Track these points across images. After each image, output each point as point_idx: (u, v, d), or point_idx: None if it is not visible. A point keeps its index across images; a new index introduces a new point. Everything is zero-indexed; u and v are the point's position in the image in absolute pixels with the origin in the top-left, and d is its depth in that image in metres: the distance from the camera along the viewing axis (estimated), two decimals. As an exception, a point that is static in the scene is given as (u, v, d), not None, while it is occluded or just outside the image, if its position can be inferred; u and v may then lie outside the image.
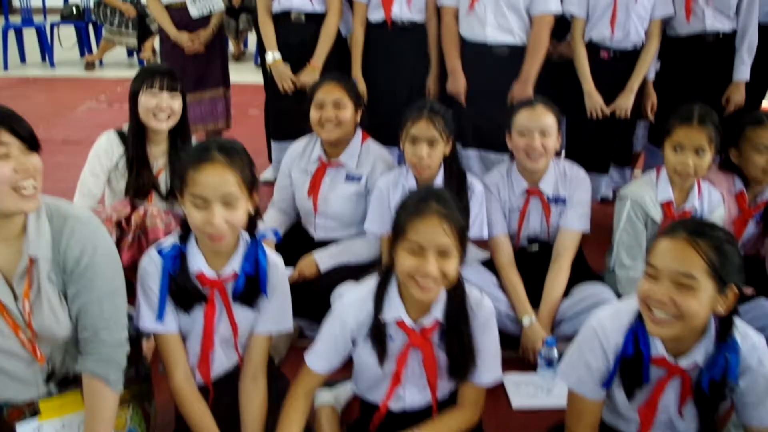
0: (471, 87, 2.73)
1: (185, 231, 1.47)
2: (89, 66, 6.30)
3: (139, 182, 2.17)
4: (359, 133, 2.32)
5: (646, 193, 2.16)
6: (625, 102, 2.73)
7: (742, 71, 2.70)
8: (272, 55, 2.88)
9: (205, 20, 3.24)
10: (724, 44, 2.72)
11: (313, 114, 2.23)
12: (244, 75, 5.24)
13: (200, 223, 1.38)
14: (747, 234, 2.29)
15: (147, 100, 2.13)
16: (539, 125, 2.11)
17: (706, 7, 2.68)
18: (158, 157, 2.24)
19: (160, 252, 1.45)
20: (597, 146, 2.80)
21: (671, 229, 1.28)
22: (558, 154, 2.27)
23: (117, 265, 1.37)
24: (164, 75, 2.15)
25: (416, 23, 2.79)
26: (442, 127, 2.05)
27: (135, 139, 2.19)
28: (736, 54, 2.70)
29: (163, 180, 2.23)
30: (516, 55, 2.66)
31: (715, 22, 2.70)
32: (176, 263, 1.45)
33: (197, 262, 1.45)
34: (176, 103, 2.17)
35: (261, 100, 3.30)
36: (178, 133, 2.22)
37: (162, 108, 2.13)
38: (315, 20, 2.86)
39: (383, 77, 2.84)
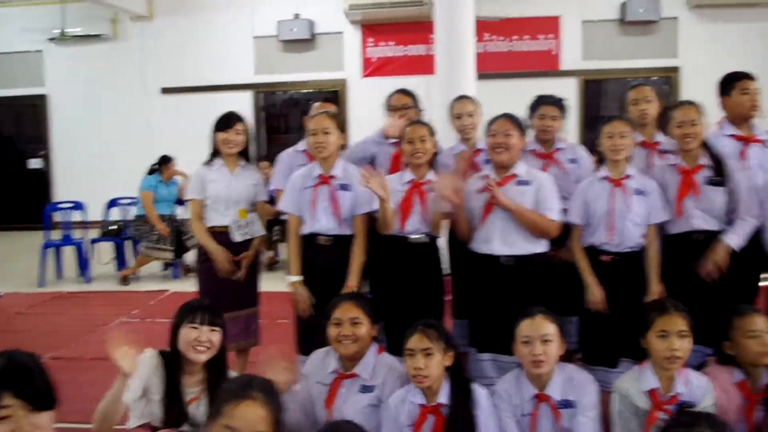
0: (485, 296, 3.25)
1: None
2: (124, 280, 7.07)
3: (169, 416, 2.55)
4: (375, 346, 2.81)
5: (631, 384, 2.60)
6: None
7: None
8: (293, 277, 3.37)
9: (246, 244, 3.75)
10: (712, 242, 3.25)
11: (332, 331, 2.73)
12: (275, 284, 5.68)
13: None
14: (757, 419, 2.66)
15: (187, 333, 2.59)
16: (540, 334, 2.60)
17: (693, 209, 3.26)
18: (192, 386, 2.61)
19: None
20: (607, 341, 3.22)
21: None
22: (568, 356, 2.75)
23: None
24: (206, 310, 2.65)
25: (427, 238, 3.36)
26: (437, 338, 2.54)
27: (170, 370, 2.59)
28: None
29: (195, 407, 2.60)
30: (522, 264, 3.19)
31: (702, 223, 3.26)
32: None
33: None
34: (215, 337, 2.63)
35: (291, 310, 3.64)
36: (215, 364, 2.65)
37: (201, 341, 2.59)
38: (342, 242, 3.34)
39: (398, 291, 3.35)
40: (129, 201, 7.60)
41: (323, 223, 3.37)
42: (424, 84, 7.10)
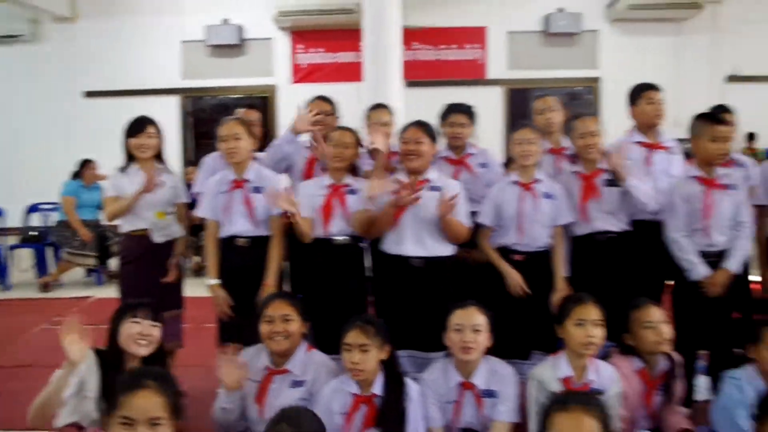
0: (397, 296, 3.42)
1: None
2: (45, 287, 6.98)
3: (103, 415, 2.56)
4: (304, 343, 2.96)
5: (547, 373, 2.83)
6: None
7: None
8: (211, 280, 3.55)
9: (167, 245, 3.87)
10: (615, 242, 3.56)
11: (263, 328, 2.86)
12: (202, 289, 5.88)
13: None
14: (655, 404, 2.94)
15: (129, 327, 2.71)
16: (471, 323, 2.81)
17: (596, 212, 3.54)
18: None
19: None
20: (520, 335, 3.43)
21: (563, 404, 1.89)
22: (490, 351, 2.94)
23: None
24: (147, 306, 2.78)
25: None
26: (373, 334, 2.71)
27: (106, 368, 2.65)
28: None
29: None
30: (431, 264, 3.39)
31: (604, 224, 3.54)
32: None
33: None
34: (156, 332, 2.77)
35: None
36: (155, 361, 2.75)
37: (144, 335, 2.72)
38: (259, 243, 3.50)
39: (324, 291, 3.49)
40: (50, 206, 7.50)
41: (239, 225, 3.52)
42: (354, 91, 7.27)
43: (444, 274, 3.43)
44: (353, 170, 3.65)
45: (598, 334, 2.81)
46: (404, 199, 3.27)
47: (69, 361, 2.52)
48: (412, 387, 2.80)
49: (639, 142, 3.81)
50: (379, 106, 4.19)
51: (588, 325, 2.81)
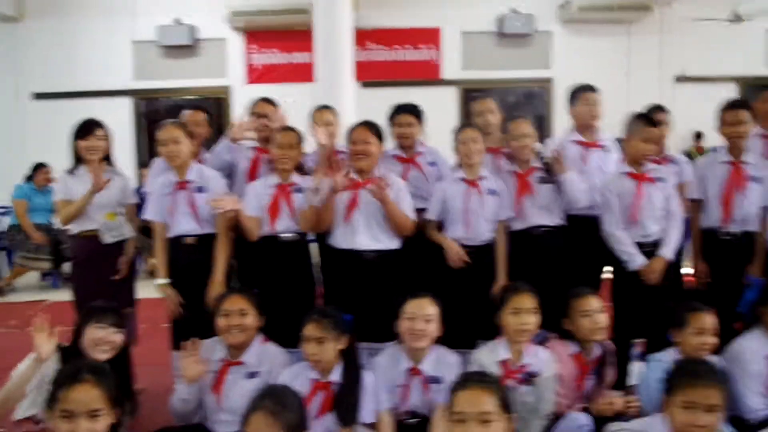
0: (350, 289, 3.58)
1: None
2: (-2, 292, 6.97)
3: None
4: (260, 335, 3.11)
5: (487, 356, 3.03)
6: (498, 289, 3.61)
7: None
8: (161, 280, 3.67)
9: (117, 246, 3.99)
10: (551, 236, 3.78)
11: (220, 322, 3.02)
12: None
13: None
14: (588, 387, 3.16)
15: (93, 332, 2.85)
16: (423, 313, 2.99)
17: (531, 208, 3.75)
18: None
19: None
20: (465, 325, 3.61)
21: (463, 382, 2.10)
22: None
23: None
24: (114, 313, 2.91)
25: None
26: (330, 327, 2.87)
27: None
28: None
29: None
30: (382, 257, 3.58)
31: (538, 219, 3.75)
32: None
33: None
34: (119, 338, 2.91)
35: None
36: (118, 363, 2.86)
37: (106, 341, 2.86)
38: (205, 242, 3.64)
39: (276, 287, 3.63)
40: (1, 210, 7.48)
41: (184, 225, 3.67)
42: (309, 91, 7.40)
43: (393, 267, 3.62)
44: (300, 169, 3.80)
45: (532, 321, 3.03)
46: (339, 184, 3.46)
47: (36, 357, 2.63)
48: (367, 377, 2.99)
49: (576, 141, 4.04)
50: (323, 107, 4.37)
51: (523, 313, 3.01)
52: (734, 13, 10.11)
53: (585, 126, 4.07)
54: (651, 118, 3.78)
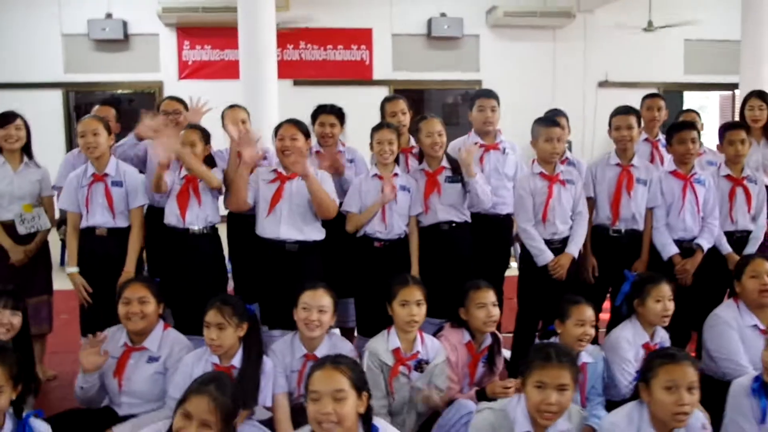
0: (272, 278, 3.75)
1: None
2: None
3: None
4: (161, 322, 3.26)
5: (380, 345, 3.22)
6: None
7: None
8: (71, 268, 3.78)
9: (32, 237, 4.06)
10: (457, 231, 4.00)
11: (121, 309, 3.14)
12: None
13: None
14: (479, 373, 3.39)
15: None
16: (318, 303, 3.15)
17: (438, 204, 3.97)
18: None
19: None
20: (380, 315, 3.67)
21: (320, 364, 2.28)
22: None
23: None
24: (9, 294, 3.00)
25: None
26: (231, 314, 3.02)
27: None
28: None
29: None
30: (304, 249, 3.77)
31: (445, 215, 3.98)
32: None
33: None
34: (16, 320, 3.01)
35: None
36: (19, 344, 2.98)
37: (3, 323, 2.96)
38: (118, 234, 3.78)
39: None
40: None
41: (99, 217, 3.79)
42: (241, 88, 7.48)
43: (314, 257, 3.82)
44: (210, 162, 3.94)
45: (419, 312, 3.22)
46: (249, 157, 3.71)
47: None
48: (267, 363, 3.14)
49: (475, 143, 4.24)
50: (234, 106, 4.53)
51: (411, 305, 3.21)
52: (649, 22, 10.54)
53: (480, 130, 4.28)
54: (551, 119, 4.02)
